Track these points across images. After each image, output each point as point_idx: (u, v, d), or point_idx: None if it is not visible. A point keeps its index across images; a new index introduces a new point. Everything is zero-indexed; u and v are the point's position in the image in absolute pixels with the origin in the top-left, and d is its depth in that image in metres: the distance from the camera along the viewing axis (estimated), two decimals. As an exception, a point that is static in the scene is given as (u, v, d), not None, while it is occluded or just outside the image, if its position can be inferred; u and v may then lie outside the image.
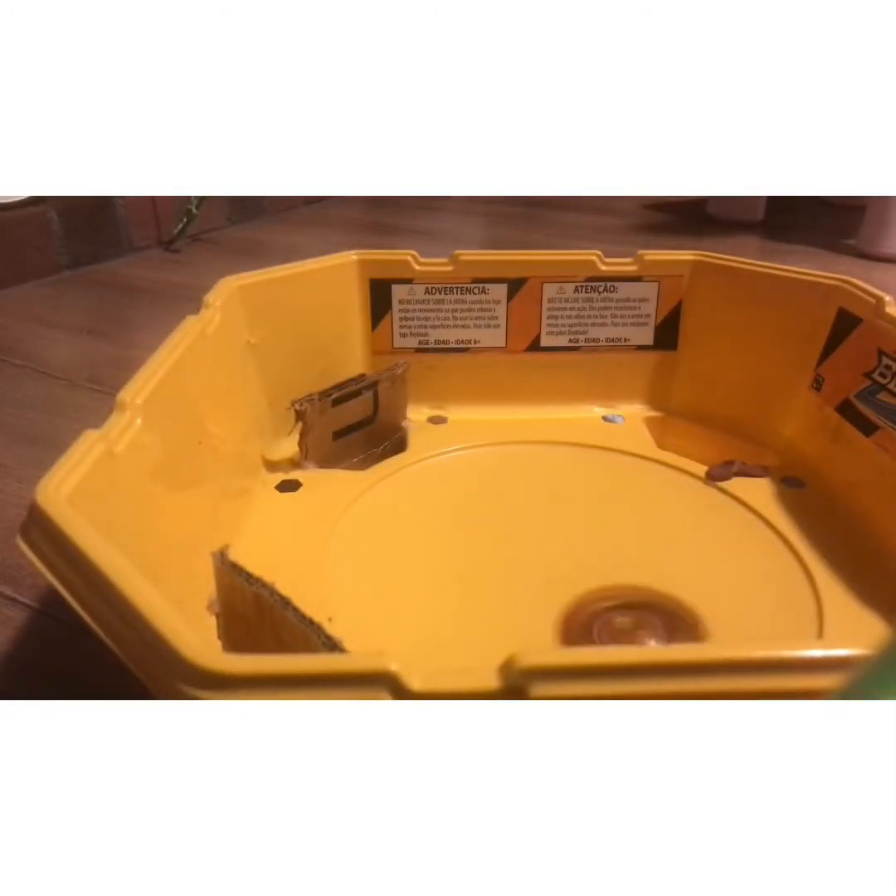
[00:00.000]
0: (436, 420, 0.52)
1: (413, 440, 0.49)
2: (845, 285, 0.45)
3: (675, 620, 0.35)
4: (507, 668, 0.20)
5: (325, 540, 0.40)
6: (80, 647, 0.34)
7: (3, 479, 0.47)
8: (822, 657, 0.21)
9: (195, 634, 0.20)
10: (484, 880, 0.16)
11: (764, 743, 0.17)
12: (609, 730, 0.18)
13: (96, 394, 0.58)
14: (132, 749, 0.18)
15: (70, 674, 0.33)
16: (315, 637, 0.28)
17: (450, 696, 0.20)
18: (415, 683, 0.20)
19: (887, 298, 0.43)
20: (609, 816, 0.17)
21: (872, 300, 0.43)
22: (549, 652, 0.21)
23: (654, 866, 0.16)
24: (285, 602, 0.28)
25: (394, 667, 0.20)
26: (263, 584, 0.29)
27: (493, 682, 0.20)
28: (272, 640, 0.29)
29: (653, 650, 0.21)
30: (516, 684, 0.20)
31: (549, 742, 0.18)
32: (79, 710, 0.18)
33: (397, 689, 0.20)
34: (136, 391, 0.32)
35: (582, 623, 0.35)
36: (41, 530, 0.24)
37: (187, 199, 0.95)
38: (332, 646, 0.28)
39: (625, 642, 0.34)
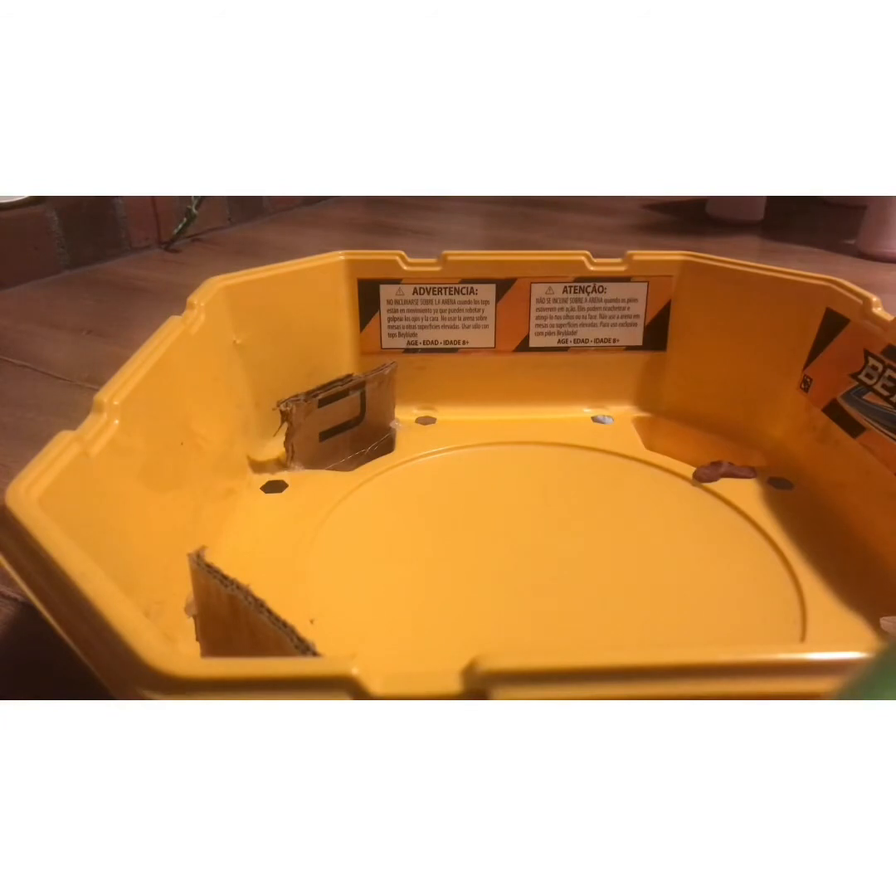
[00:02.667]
0: (424, 420, 0.52)
1: (401, 441, 0.49)
2: (833, 286, 0.45)
3: None
4: (469, 672, 0.20)
5: (310, 541, 0.40)
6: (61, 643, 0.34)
7: (3, 479, 0.47)
8: (800, 660, 0.20)
9: (157, 637, 0.20)
10: (435, 880, 0.16)
11: (744, 743, 0.17)
12: (572, 731, 0.18)
13: (96, 394, 0.58)
14: (96, 748, 0.18)
15: (70, 673, 0.33)
16: (288, 639, 0.28)
17: (410, 699, 0.20)
18: (376, 687, 0.20)
19: (874, 299, 0.42)
20: (569, 816, 0.17)
21: (859, 301, 0.43)
22: (513, 656, 0.21)
23: (620, 866, 0.16)
24: (260, 604, 0.28)
25: (355, 671, 0.20)
26: (238, 586, 0.29)
27: (454, 686, 0.20)
28: (248, 642, 0.29)
29: (618, 654, 0.21)
30: (478, 689, 0.20)
31: (508, 741, 0.18)
32: (58, 710, 0.18)
33: (358, 694, 0.20)
34: (115, 392, 0.32)
35: None
36: (10, 532, 0.24)
37: (187, 199, 0.95)
38: (305, 648, 0.28)
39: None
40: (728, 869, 0.16)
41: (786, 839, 0.16)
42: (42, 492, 0.26)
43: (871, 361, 0.41)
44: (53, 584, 0.22)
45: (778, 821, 0.16)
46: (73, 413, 0.57)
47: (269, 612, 0.28)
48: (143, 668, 0.20)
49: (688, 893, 0.16)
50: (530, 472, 0.47)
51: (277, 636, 0.28)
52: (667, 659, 0.20)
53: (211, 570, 0.30)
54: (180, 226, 0.95)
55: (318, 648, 0.29)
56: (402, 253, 0.50)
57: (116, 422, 0.31)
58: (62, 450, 0.28)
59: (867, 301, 0.42)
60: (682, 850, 0.16)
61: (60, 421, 0.56)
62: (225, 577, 0.30)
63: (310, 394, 0.45)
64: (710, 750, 0.17)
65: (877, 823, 0.15)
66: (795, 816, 0.16)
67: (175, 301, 0.77)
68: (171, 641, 0.22)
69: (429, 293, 0.51)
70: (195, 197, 0.95)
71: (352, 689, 0.20)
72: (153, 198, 0.93)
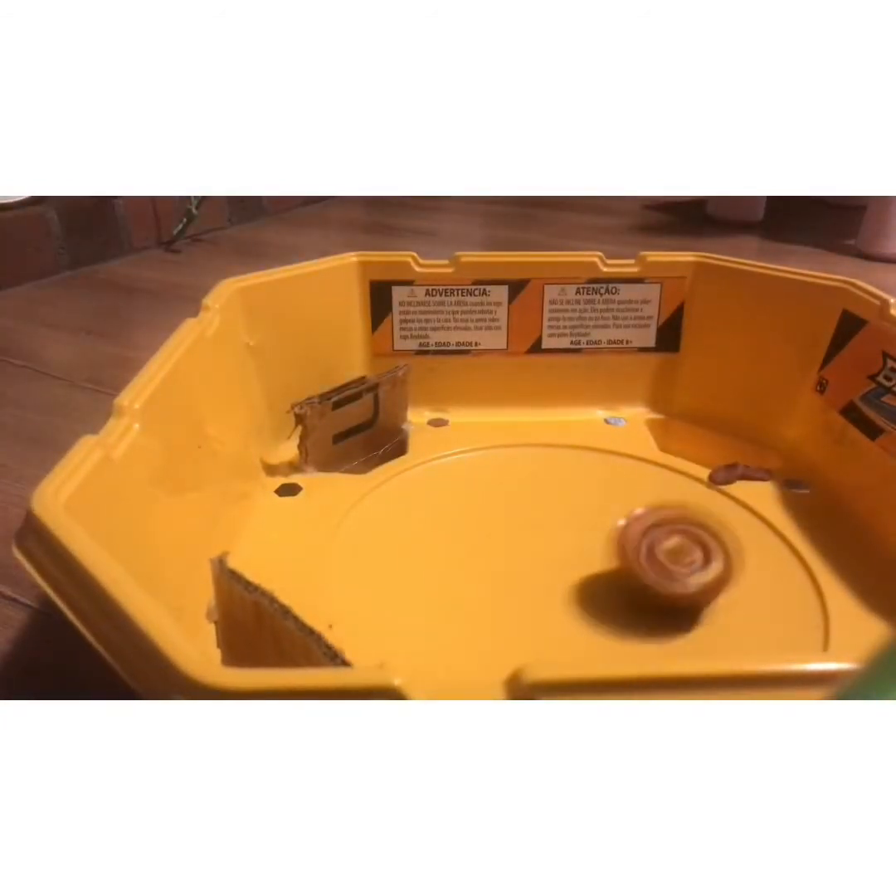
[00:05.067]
0: (437, 423, 0.52)
1: (413, 443, 0.49)
2: (849, 287, 0.45)
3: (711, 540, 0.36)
4: (513, 683, 0.20)
5: (325, 544, 0.40)
6: (82, 648, 0.34)
7: (3, 479, 0.47)
8: (827, 671, 0.20)
9: (194, 647, 0.20)
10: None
11: (763, 743, 0.17)
12: (613, 731, 0.18)
13: (96, 394, 0.58)
14: (131, 749, 0.18)
15: (72, 675, 0.33)
16: (316, 647, 0.27)
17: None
18: (418, 699, 0.19)
19: (892, 300, 0.42)
20: (612, 822, 0.17)
21: (877, 302, 0.43)
22: (557, 666, 0.20)
23: (658, 869, 0.16)
24: (285, 611, 0.28)
25: (397, 681, 0.19)
26: (263, 592, 0.29)
27: (499, 696, 0.20)
28: (272, 650, 0.29)
29: (657, 664, 0.21)
30: (525, 698, 0.20)
31: (555, 744, 0.18)
32: (79, 710, 0.18)
33: (400, 705, 0.19)
34: (135, 396, 0.32)
35: (633, 547, 0.36)
36: (37, 538, 0.24)
37: (187, 199, 0.95)
38: (333, 656, 0.27)
39: (672, 564, 0.35)
40: (741, 864, 0.16)
41: (785, 838, 0.16)
42: (67, 497, 0.25)
43: (890, 363, 0.41)
44: (84, 592, 0.22)
45: (779, 818, 0.16)
46: (74, 413, 0.57)
47: (295, 618, 0.28)
48: (183, 678, 0.19)
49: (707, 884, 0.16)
50: (544, 475, 0.47)
51: (304, 643, 0.28)
52: (711, 670, 0.20)
53: (234, 576, 0.30)
54: (180, 226, 0.95)
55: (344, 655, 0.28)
56: (415, 254, 0.50)
57: (137, 426, 0.31)
58: (85, 455, 0.28)
59: (885, 303, 0.42)
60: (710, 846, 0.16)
61: (60, 421, 0.56)
62: (249, 583, 0.29)
63: (324, 396, 0.45)
64: (713, 749, 0.17)
65: (876, 823, 0.15)
66: (795, 814, 0.16)
67: (175, 301, 0.77)
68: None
69: (441, 295, 0.51)
70: (195, 197, 0.95)
71: (394, 699, 0.19)
72: (153, 198, 0.93)
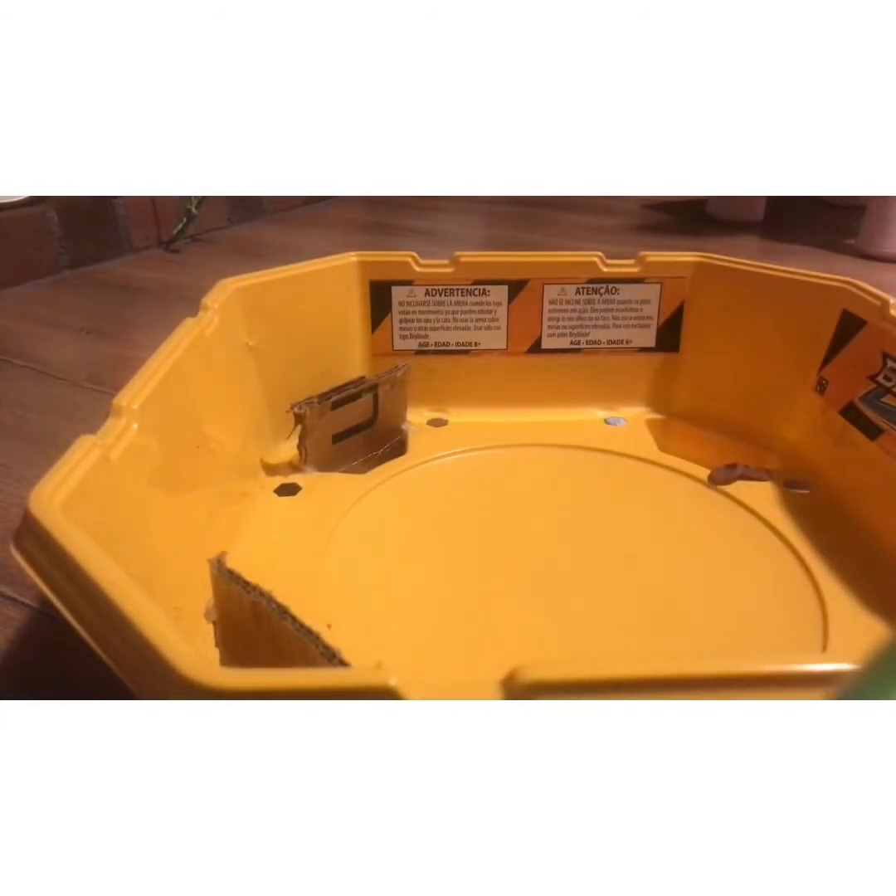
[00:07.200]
0: (436, 423, 0.52)
1: (413, 443, 0.49)
2: (849, 287, 0.45)
3: None
4: (509, 683, 0.20)
5: (324, 544, 0.40)
6: (81, 649, 0.34)
7: (3, 479, 0.47)
8: (826, 671, 0.20)
9: (191, 648, 0.20)
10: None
11: (762, 744, 0.17)
12: (610, 731, 0.18)
13: (96, 394, 0.58)
14: (130, 750, 0.18)
15: (71, 675, 0.33)
16: (313, 647, 0.27)
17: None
18: (414, 699, 0.19)
19: (892, 300, 0.42)
20: (609, 823, 0.17)
21: (877, 302, 0.43)
22: (553, 666, 0.20)
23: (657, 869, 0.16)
24: (283, 611, 0.28)
25: (393, 681, 0.19)
26: (261, 593, 0.29)
27: (495, 696, 0.20)
28: (270, 650, 0.29)
29: (655, 664, 0.21)
30: (521, 699, 0.20)
31: (551, 745, 0.18)
32: (78, 710, 0.18)
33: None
34: (133, 396, 0.32)
35: None
36: (34, 538, 0.24)
37: (187, 199, 0.95)
38: (331, 656, 0.27)
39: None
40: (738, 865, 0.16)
41: (785, 839, 0.16)
42: (65, 497, 0.25)
43: (890, 363, 0.41)
44: (81, 593, 0.22)
45: (779, 818, 0.16)
46: (74, 413, 0.57)
47: (293, 618, 0.28)
48: (180, 679, 0.19)
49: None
50: (543, 475, 0.47)
51: (302, 643, 0.28)
52: (709, 670, 0.20)
53: (232, 576, 0.30)
54: (180, 226, 0.95)
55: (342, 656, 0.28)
56: (414, 254, 0.50)
57: (135, 426, 0.31)
58: (83, 455, 0.28)
59: (885, 303, 0.42)
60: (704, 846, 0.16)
61: (60, 421, 0.56)
62: (247, 583, 0.29)
63: (323, 396, 0.45)
64: (712, 750, 0.17)
65: (876, 823, 0.15)
66: (795, 815, 0.16)
67: (175, 301, 0.77)
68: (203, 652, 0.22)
69: (441, 295, 0.51)
70: (195, 197, 0.95)
71: (390, 700, 0.19)
72: (153, 198, 0.93)
